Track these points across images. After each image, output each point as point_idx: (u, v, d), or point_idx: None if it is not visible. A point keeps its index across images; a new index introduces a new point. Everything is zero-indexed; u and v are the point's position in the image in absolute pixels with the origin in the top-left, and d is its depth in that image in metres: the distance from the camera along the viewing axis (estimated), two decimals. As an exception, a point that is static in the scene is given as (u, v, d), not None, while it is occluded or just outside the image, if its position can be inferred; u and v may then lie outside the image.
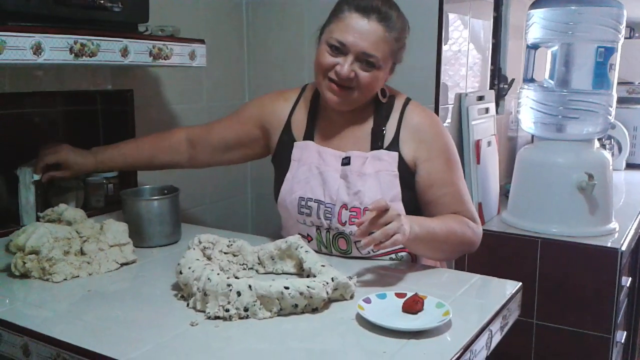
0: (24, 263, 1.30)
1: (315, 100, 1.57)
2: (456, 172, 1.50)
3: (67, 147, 1.62)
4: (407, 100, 1.53)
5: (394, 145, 1.47)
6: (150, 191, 1.65)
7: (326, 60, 1.42)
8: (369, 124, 1.51)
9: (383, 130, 1.49)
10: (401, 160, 1.46)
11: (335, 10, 1.44)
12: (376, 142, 1.48)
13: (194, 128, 1.73)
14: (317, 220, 1.49)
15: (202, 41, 1.71)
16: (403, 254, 1.50)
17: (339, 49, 1.40)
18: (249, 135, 1.64)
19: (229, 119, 1.69)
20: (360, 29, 1.38)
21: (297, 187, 1.50)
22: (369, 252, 1.48)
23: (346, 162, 1.47)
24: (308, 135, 1.55)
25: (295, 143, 1.55)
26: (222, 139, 1.66)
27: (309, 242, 1.53)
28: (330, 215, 1.46)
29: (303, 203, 1.49)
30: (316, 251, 1.47)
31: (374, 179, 1.44)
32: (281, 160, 1.57)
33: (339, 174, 1.47)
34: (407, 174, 1.47)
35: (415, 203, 1.50)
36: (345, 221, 1.45)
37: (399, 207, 1.45)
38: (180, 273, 1.19)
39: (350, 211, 1.44)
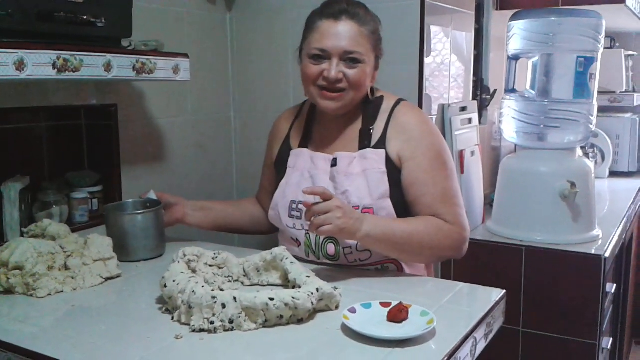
0: (8, 279, 1.30)
1: (312, 110, 1.63)
2: (442, 172, 1.49)
3: (182, 210, 1.67)
4: (398, 101, 1.56)
5: (381, 143, 1.50)
6: (134, 205, 1.65)
7: (312, 70, 1.47)
8: (358, 125, 1.54)
9: (370, 129, 1.51)
10: (388, 158, 1.48)
11: (307, 25, 1.51)
12: (363, 141, 1.51)
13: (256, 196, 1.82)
14: (306, 223, 1.50)
15: (185, 55, 1.72)
16: (389, 264, 1.51)
17: (321, 57, 1.46)
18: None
19: (263, 171, 1.77)
20: (336, 32, 1.45)
21: (288, 191, 1.54)
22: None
23: (334, 163, 1.51)
24: (303, 143, 1.60)
25: (291, 151, 1.60)
26: (268, 192, 1.69)
27: (298, 246, 1.54)
28: None
29: (294, 206, 1.52)
30: (302, 259, 1.48)
31: (362, 177, 1.46)
32: (279, 170, 1.62)
33: (328, 176, 1.50)
34: (394, 171, 1.48)
35: (403, 202, 1.51)
36: None
37: (386, 204, 1.46)
38: (165, 286, 1.19)
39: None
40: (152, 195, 1.65)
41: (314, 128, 1.62)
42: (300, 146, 1.60)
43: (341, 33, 1.44)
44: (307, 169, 1.54)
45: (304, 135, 1.61)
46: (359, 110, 1.55)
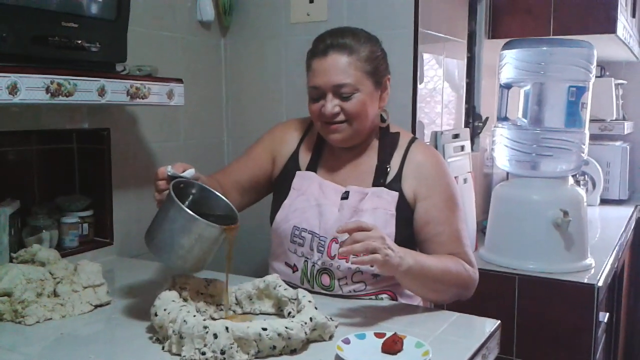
0: (-5, 306, 1.27)
1: None
2: (455, 213, 1.50)
3: None
4: (413, 139, 1.56)
5: (396, 182, 1.49)
6: (199, 196, 1.36)
7: (312, 108, 1.50)
8: (373, 160, 1.54)
9: (387, 167, 1.51)
10: (401, 197, 1.48)
11: (306, 65, 1.52)
12: (379, 178, 1.50)
13: (215, 175, 1.63)
14: (308, 252, 1.49)
15: (180, 80, 1.71)
16: (384, 295, 1.50)
17: (317, 94, 1.47)
18: (263, 171, 1.64)
19: (242, 159, 1.68)
20: (325, 68, 1.45)
21: (292, 215, 1.51)
22: (349, 268, 1.46)
23: (345, 196, 1.49)
24: (312, 167, 1.58)
25: (297, 172, 1.57)
26: (236, 182, 1.62)
27: (293, 272, 1.52)
28: (322, 249, 1.47)
29: (297, 232, 1.50)
30: (296, 286, 1.46)
31: (370, 215, 1.45)
32: (282, 186, 1.58)
33: (336, 208, 1.49)
34: (406, 211, 1.48)
35: (410, 243, 1.49)
36: (334, 255, 1.46)
37: None
38: (156, 315, 1.17)
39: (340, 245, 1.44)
40: (190, 175, 1.33)
41: (324, 152, 1.59)
42: (308, 168, 1.58)
43: (329, 68, 1.44)
44: (314, 197, 1.51)
45: (312, 157, 1.59)
46: (374, 144, 1.56)
